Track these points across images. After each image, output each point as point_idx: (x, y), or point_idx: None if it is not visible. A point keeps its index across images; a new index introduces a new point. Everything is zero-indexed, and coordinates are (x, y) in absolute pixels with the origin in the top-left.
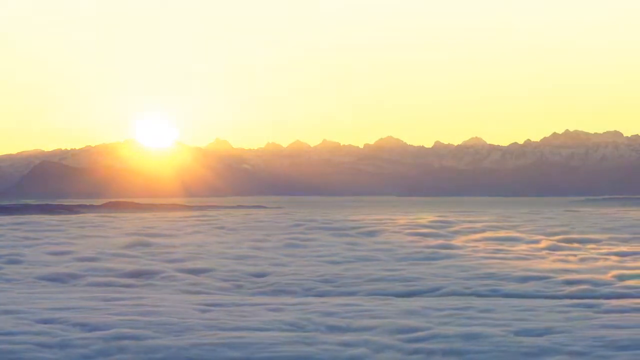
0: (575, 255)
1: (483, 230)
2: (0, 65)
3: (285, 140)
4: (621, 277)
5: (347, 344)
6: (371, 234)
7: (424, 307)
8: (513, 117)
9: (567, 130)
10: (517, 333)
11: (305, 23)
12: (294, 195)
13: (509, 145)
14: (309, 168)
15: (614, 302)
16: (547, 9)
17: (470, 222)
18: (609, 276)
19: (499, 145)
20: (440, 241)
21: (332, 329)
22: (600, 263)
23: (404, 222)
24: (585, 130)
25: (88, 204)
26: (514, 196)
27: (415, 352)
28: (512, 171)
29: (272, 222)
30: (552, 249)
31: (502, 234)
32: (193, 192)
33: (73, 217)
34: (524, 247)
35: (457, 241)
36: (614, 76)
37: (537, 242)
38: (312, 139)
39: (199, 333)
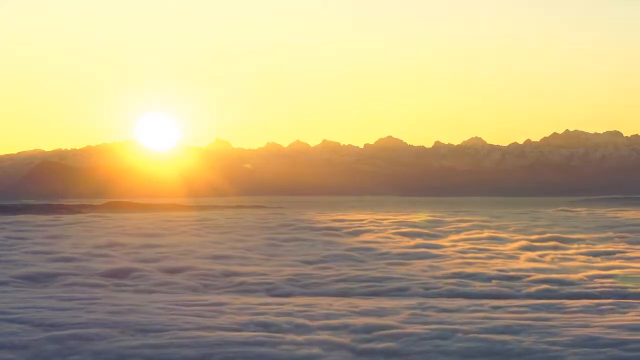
0: (549, 255)
1: (467, 230)
2: (0, 65)
3: (285, 140)
4: (590, 277)
5: (302, 344)
6: (355, 233)
7: (385, 307)
8: (513, 117)
9: (567, 130)
10: (467, 332)
11: (305, 23)
12: (294, 195)
13: (509, 145)
14: (309, 168)
15: (575, 302)
16: (545, 9)
17: (458, 222)
18: (578, 276)
19: (499, 145)
20: (419, 240)
21: (292, 329)
22: (572, 263)
23: (393, 221)
24: (585, 130)
25: (88, 204)
26: (514, 196)
27: (364, 352)
28: (512, 171)
29: (260, 222)
30: (529, 248)
31: (485, 233)
32: (193, 192)
33: (64, 217)
34: (501, 247)
35: (438, 241)
36: (614, 76)
37: (516, 241)
38: (312, 139)
39: (158, 333)
